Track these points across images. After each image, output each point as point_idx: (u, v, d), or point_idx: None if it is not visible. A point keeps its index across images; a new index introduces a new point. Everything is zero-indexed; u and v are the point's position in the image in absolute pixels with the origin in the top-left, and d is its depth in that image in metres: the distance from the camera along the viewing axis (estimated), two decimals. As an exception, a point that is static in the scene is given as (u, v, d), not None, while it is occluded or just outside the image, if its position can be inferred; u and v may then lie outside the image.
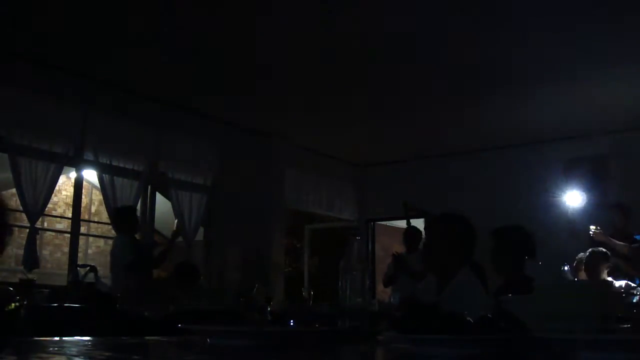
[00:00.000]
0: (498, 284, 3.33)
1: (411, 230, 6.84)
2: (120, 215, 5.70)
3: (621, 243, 5.86)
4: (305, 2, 4.70)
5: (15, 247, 9.25)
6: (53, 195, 6.12)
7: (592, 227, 5.97)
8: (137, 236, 5.85)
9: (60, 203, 9.92)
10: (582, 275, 5.12)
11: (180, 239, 6.51)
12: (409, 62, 5.68)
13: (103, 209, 7.22)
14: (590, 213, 6.56)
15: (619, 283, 4.96)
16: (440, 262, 2.93)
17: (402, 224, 8.57)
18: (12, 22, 4.93)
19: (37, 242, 5.79)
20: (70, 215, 6.43)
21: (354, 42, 5.29)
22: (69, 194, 8.71)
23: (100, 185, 6.22)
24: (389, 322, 1.83)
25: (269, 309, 5.42)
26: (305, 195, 8.51)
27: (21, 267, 5.56)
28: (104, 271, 6.10)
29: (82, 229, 7.84)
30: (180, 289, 5.02)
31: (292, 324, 2.08)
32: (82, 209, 6.70)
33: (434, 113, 7.06)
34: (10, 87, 5.33)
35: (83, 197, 7.20)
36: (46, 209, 5.92)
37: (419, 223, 7.09)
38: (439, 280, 2.92)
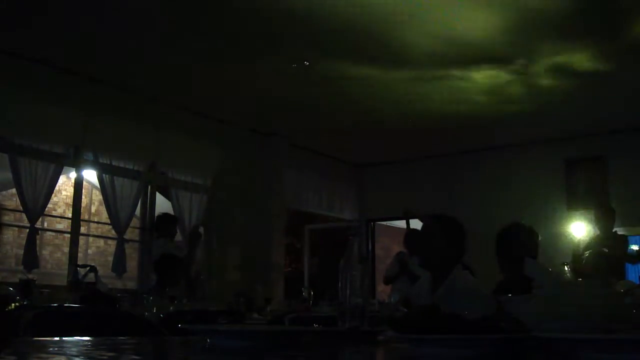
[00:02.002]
0: (497, 283, 3.33)
1: (412, 234, 6.81)
2: (165, 222, 5.81)
3: None
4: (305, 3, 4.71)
5: (15, 247, 9.27)
6: (53, 195, 6.12)
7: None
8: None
9: (60, 203, 9.91)
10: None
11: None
12: (409, 62, 5.68)
13: (103, 209, 7.21)
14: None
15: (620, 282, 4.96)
16: (434, 261, 2.97)
17: (402, 224, 8.57)
18: (12, 22, 4.94)
19: (37, 242, 5.79)
20: (70, 215, 6.43)
21: (354, 42, 5.29)
22: (69, 194, 8.71)
23: (100, 185, 6.22)
24: (389, 322, 1.83)
25: (268, 309, 5.43)
26: (305, 195, 8.51)
27: (21, 267, 5.56)
28: (103, 271, 6.10)
29: (82, 229, 7.83)
30: (163, 280, 4.98)
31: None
32: (82, 209, 6.70)
33: (435, 112, 7.06)
34: (10, 87, 5.33)
35: (83, 197, 7.19)
36: (46, 209, 5.92)
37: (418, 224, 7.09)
38: (434, 280, 2.94)
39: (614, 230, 6.28)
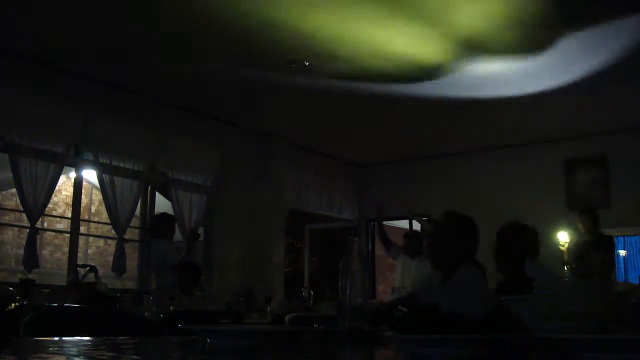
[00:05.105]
0: (498, 283, 3.33)
1: (412, 234, 6.80)
2: (162, 222, 5.82)
3: None
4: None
5: (15, 247, 9.28)
6: (53, 195, 6.12)
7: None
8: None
9: (60, 203, 9.92)
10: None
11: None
12: (409, 62, 5.68)
13: (103, 209, 7.21)
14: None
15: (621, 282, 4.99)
16: (443, 257, 2.98)
17: (401, 224, 8.58)
18: (12, 22, 4.94)
19: (37, 242, 5.79)
20: (70, 215, 6.43)
21: (355, 42, 5.29)
22: (69, 194, 8.72)
23: (100, 185, 6.22)
24: (388, 321, 1.83)
25: (268, 309, 5.44)
26: (305, 195, 8.51)
27: (21, 267, 5.56)
28: (103, 271, 6.10)
29: (82, 229, 7.84)
30: (180, 288, 5.04)
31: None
32: (82, 209, 6.70)
33: (435, 113, 7.06)
34: (10, 87, 5.34)
35: (83, 197, 7.20)
36: (46, 209, 5.92)
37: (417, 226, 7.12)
38: (442, 276, 2.96)
39: (600, 232, 6.34)
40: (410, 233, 6.89)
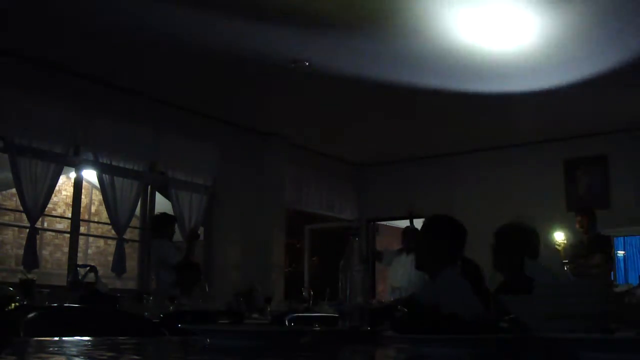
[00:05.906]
0: (497, 284, 3.33)
1: (411, 230, 6.80)
2: (162, 222, 5.83)
3: None
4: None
5: (15, 247, 9.27)
6: (53, 195, 6.12)
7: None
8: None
9: (60, 203, 9.91)
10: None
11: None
12: (409, 62, 5.68)
13: (103, 209, 7.21)
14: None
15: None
16: (425, 261, 2.99)
17: (401, 224, 8.58)
18: (12, 22, 4.94)
19: (37, 242, 5.79)
20: (70, 215, 6.43)
21: (353, 42, 5.29)
22: (69, 194, 8.71)
23: (100, 185, 6.22)
24: (388, 321, 1.83)
25: (268, 309, 5.43)
26: (305, 195, 8.51)
27: (21, 267, 5.56)
28: (103, 271, 6.10)
29: (82, 229, 7.83)
30: (180, 288, 5.04)
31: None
32: (82, 209, 6.70)
33: (434, 113, 7.06)
34: (10, 87, 5.33)
35: (83, 197, 7.19)
36: (46, 209, 5.92)
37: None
38: (428, 277, 2.98)
39: (597, 232, 6.34)
40: (410, 228, 6.89)
